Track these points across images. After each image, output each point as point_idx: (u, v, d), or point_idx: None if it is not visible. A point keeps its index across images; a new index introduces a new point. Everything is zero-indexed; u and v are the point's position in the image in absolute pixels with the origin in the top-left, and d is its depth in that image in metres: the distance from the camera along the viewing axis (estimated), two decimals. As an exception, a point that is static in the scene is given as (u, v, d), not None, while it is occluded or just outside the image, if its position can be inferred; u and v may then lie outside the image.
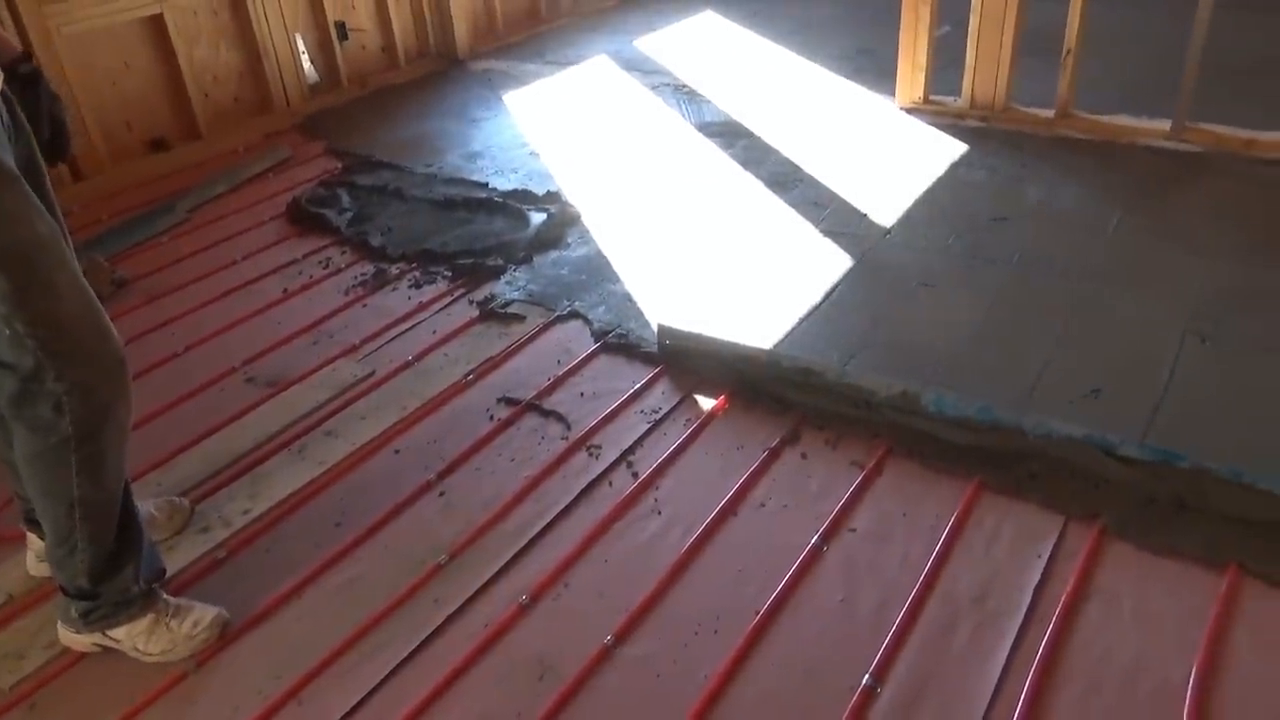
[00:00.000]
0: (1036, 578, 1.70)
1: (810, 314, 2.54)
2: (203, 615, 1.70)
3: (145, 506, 1.83)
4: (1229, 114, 3.35)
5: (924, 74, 3.78)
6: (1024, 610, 1.64)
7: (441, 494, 2.02)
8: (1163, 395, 2.12)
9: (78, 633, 1.67)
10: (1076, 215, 2.94)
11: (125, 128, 3.77)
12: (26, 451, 1.51)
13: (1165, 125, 3.39)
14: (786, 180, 3.33)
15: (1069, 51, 3.42)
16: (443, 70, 4.82)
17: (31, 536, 1.85)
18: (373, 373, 2.45)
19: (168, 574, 1.77)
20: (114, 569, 1.61)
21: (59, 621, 1.69)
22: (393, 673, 1.62)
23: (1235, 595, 1.64)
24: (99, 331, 1.49)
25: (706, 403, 2.22)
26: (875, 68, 4.26)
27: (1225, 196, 2.98)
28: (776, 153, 3.57)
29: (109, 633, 1.66)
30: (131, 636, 1.66)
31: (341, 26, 4.43)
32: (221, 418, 2.31)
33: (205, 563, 1.89)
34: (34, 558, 1.86)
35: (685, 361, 2.32)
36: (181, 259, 3.12)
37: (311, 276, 2.95)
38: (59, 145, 1.62)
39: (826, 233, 2.96)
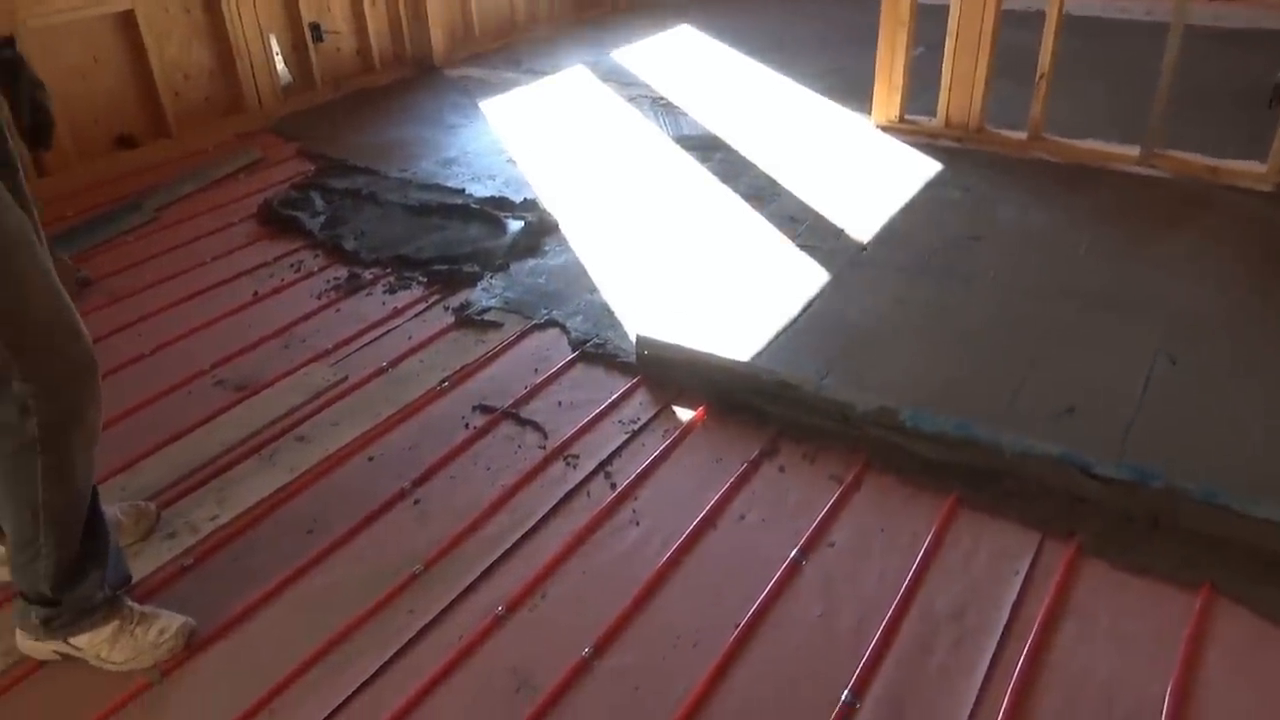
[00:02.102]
0: (1014, 595, 1.71)
1: (788, 327, 2.55)
2: (169, 624, 1.66)
3: (110, 511, 1.79)
4: (1198, 141, 3.42)
5: (900, 94, 3.82)
6: (1001, 627, 1.65)
7: (416, 502, 2.00)
8: (1135, 414, 2.15)
9: (38, 640, 1.62)
10: (1049, 236, 2.99)
11: (93, 124, 3.70)
12: (-11, 454, 1.46)
13: (1135, 151, 3.46)
14: (764, 194, 3.35)
15: (1042, 76, 3.48)
16: (419, 76, 4.80)
17: (-10, 540, 1.78)
18: (346, 378, 2.42)
19: (133, 580, 1.73)
20: (78, 576, 1.57)
21: (17, 628, 1.63)
22: (366, 684, 1.59)
23: (1209, 614, 1.66)
24: (69, 331, 1.45)
25: (685, 414, 2.22)
26: (851, 86, 4.31)
27: (1193, 221, 3.05)
28: (754, 167, 3.59)
29: (71, 640, 1.61)
30: (94, 645, 1.61)
31: (316, 28, 4.40)
32: (190, 421, 2.27)
33: (171, 570, 1.85)
34: (-7, 562, 1.80)
35: (663, 372, 2.32)
36: (148, 258, 3.07)
37: (283, 280, 2.91)
38: (41, 134, 1.57)
39: (803, 247, 2.98)
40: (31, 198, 1.52)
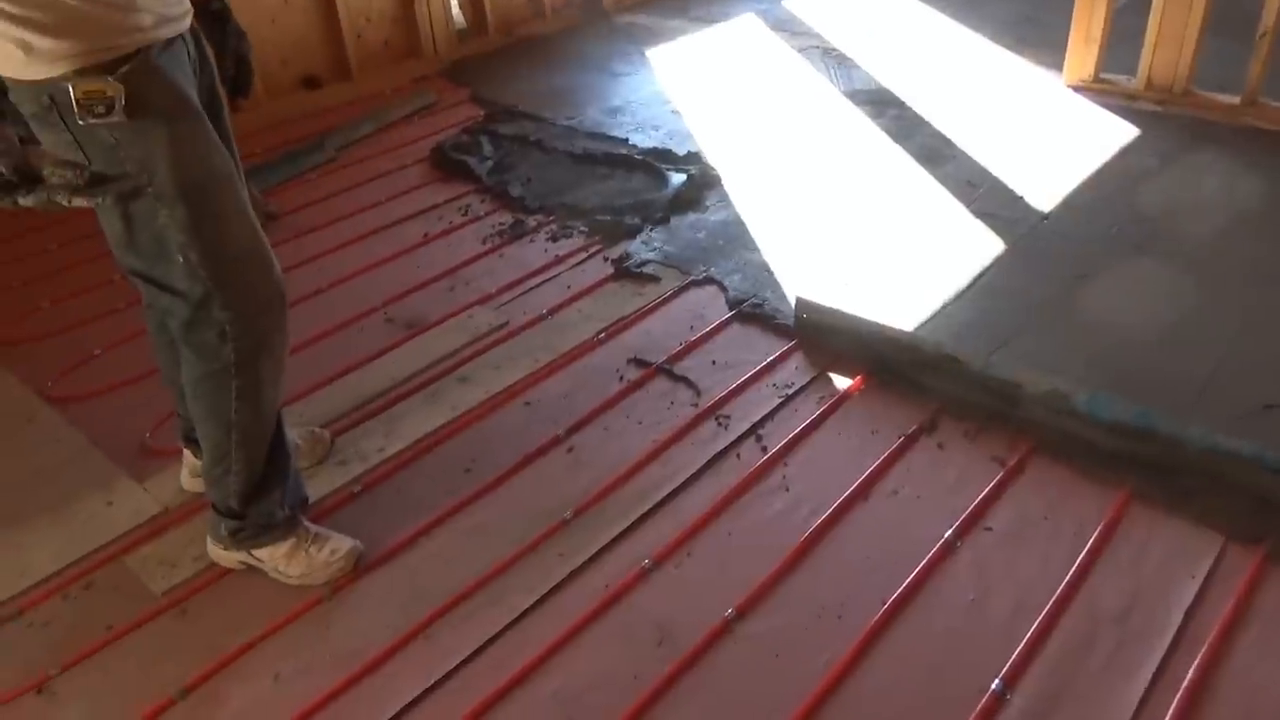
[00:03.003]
0: (1188, 599, 1.62)
1: (956, 298, 2.46)
2: (339, 545, 1.78)
3: (290, 435, 1.85)
4: None
5: (1097, 49, 3.56)
6: (1172, 632, 1.56)
7: (570, 450, 2.05)
8: (1346, 417, 1.97)
9: (226, 549, 1.77)
10: (1259, 213, 2.75)
11: (280, 65, 3.91)
12: (193, 375, 1.60)
13: (1370, 120, 3.11)
14: (938, 155, 3.23)
15: (1265, 33, 3.16)
16: (587, 23, 4.81)
17: (188, 453, 1.97)
18: (507, 323, 2.49)
19: (309, 501, 1.86)
20: (262, 493, 1.70)
21: (209, 537, 1.79)
22: (516, 621, 1.67)
23: None
24: (263, 265, 1.57)
25: (841, 382, 2.19)
26: (1042, 39, 4.04)
27: None
28: (928, 125, 3.45)
29: (254, 552, 1.75)
30: (274, 558, 1.75)
31: (492, -27, 4.47)
32: (361, 356, 2.38)
33: (342, 495, 1.96)
34: (188, 474, 1.98)
35: (822, 337, 2.30)
36: (328, 196, 3.21)
37: (451, 222, 3.00)
38: (242, 82, 1.69)
39: (978, 214, 2.85)
40: (235, 142, 1.63)
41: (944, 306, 2.44)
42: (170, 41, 1.42)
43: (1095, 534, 1.75)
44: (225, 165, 1.50)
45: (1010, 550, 1.73)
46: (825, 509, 1.84)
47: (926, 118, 3.51)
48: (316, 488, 1.97)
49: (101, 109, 1.32)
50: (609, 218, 2.91)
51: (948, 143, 3.31)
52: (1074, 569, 1.69)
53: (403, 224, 3.02)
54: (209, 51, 1.61)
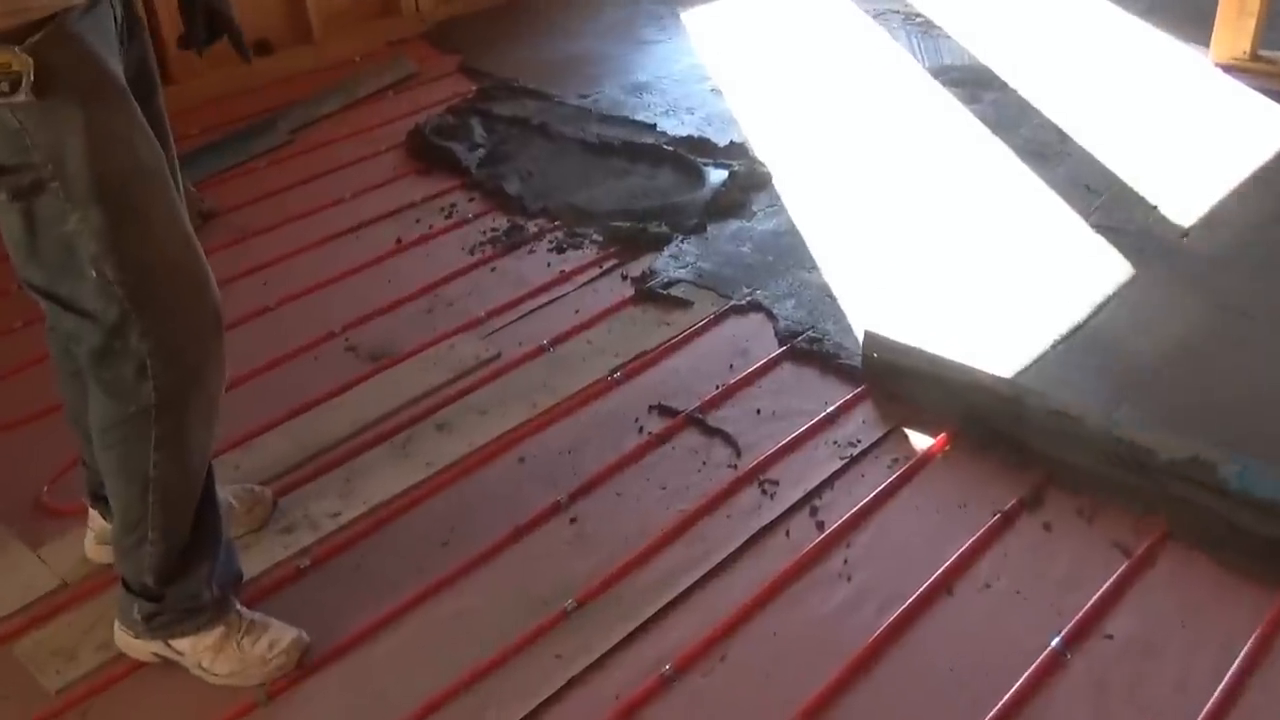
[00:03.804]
0: (1369, 736, 1.58)
1: (1070, 336, 2.45)
2: (280, 636, 1.77)
3: (223, 494, 1.89)
4: None
5: (1254, 21, 3.56)
6: (1348, 779, 1.53)
7: (573, 520, 2.04)
8: None
9: (137, 637, 1.76)
10: None
11: (226, 24, 3.95)
12: (103, 420, 1.60)
13: None
14: (1049, 152, 3.22)
15: None
16: (608, -25, 4.85)
17: (94, 514, 1.96)
18: (498, 356, 2.49)
19: (244, 578, 1.86)
20: (185, 568, 1.71)
21: (117, 622, 1.78)
22: (500, 741, 1.65)
23: None
24: (195, 283, 1.56)
25: (921, 441, 2.18)
26: (1182, 7, 4.04)
27: None
28: (1038, 114, 3.46)
29: (172, 642, 1.75)
30: (197, 651, 1.75)
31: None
32: (315, 393, 2.39)
33: (286, 570, 1.96)
34: (94, 540, 1.98)
35: (896, 383, 2.29)
36: (280, 190, 3.24)
37: (431, 226, 3.02)
38: (217, 36, 1.72)
39: (1099, 227, 2.85)
40: (170, 127, 1.65)
41: (1053, 347, 2.41)
42: (94, 3, 1.44)
43: (1247, 647, 1.71)
44: (154, 158, 1.52)
45: (1137, 664, 1.71)
46: (898, 605, 1.82)
47: (1035, 104, 3.51)
48: (255, 560, 1.96)
49: (5, 86, 1.34)
50: (629, 224, 2.91)
51: (1062, 136, 3.30)
52: (1221, 691, 1.65)
53: (371, 227, 3.03)
54: (140, 13, 1.64)
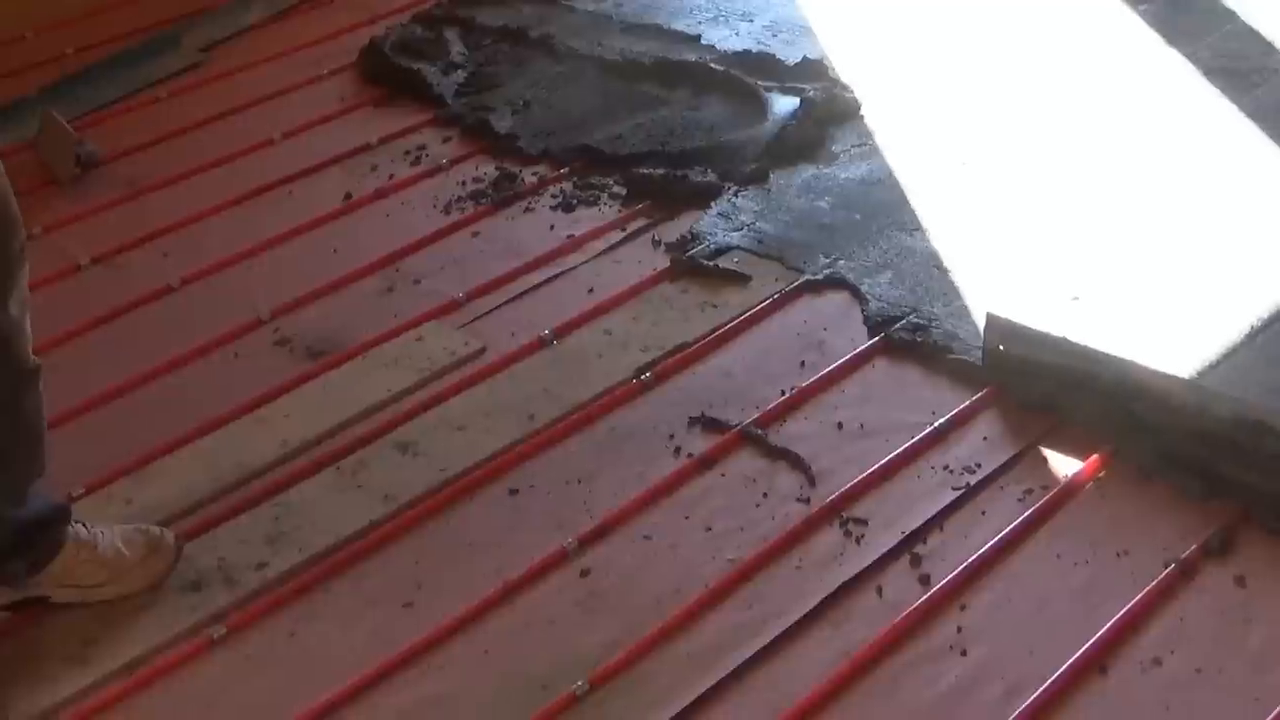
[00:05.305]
0: None
1: (1270, 324, 2.18)
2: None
3: (109, 535, 1.79)
4: None
5: None
6: None
7: (584, 574, 1.84)
8: None
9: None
10: None
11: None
12: None
13: None
14: (1244, 68, 2.88)
15: None
16: None
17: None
18: (482, 351, 2.29)
19: (139, 653, 1.72)
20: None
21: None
22: None
23: None
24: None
25: (1065, 465, 1.97)
26: None
27: None
28: (1231, 17, 3.08)
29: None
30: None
31: None
32: (233, 401, 2.20)
33: (193, 644, 1.75)
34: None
35: (1030, 385, 2.09)
36: (186, 129, 2.99)
37: (392, 176, 2.77)
38: None
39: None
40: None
41: (1250, 339, 2.18)
42: None
43: None
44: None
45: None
46: (1032, 688, 1.61)
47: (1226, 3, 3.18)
48: (149, 630, 1.76)
49: None
50: (663, 171, 2.67)
51: (1267, 47, 2.98)
52: None
53: (310, 177, 2.79)
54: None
